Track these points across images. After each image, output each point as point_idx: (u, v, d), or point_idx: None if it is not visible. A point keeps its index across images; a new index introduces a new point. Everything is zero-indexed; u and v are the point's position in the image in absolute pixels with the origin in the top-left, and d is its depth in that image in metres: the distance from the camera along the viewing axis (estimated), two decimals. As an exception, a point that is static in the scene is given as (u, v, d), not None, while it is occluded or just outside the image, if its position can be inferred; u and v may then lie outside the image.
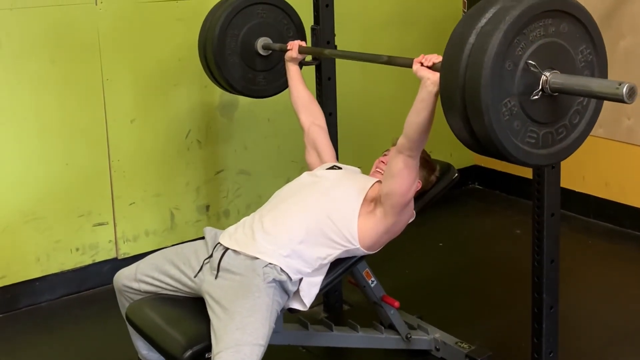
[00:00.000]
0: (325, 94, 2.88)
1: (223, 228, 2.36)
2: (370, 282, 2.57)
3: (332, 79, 2.88)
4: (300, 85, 2.66)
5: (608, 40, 3.91)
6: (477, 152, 1.74)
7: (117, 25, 3.24)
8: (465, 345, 2.58)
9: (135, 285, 2.31)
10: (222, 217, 3.64)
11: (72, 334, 3.03)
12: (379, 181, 2.35)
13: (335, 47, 2.85)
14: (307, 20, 2.86)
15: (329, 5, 2.81)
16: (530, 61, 1.61)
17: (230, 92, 2.85)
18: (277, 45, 2.74)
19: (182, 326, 2.13)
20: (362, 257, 2.39)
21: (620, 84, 1.48)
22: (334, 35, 2.85)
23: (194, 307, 2.20)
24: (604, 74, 1.75)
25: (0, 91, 3.02)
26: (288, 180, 2.54)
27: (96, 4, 3.17)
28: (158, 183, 3.45)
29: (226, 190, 3.64)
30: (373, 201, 2.27)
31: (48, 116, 3.14)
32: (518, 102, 1.63)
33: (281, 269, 2.13)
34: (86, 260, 3.32)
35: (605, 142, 3.77)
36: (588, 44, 1.72)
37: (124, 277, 2.35)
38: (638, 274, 3.37)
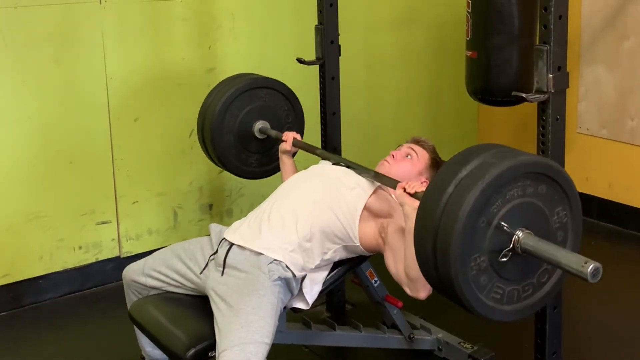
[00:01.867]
0: (329, 94, 2.88)
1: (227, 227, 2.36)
2: (373, 281, 2.56)
3: (335, 78, 2.88)
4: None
5: (612, 41, 3.94)
6: (443, 295, 1.73)
7: (121, 24, 3.24)
8: (468, 346, 2.58)
9: (143, 279, 2.32)
10: (225, 216, 3.64)
11: (76, 332, 3.04)
12: (380, 187, 2.34)
13: (339, 47, 2.85)
14: (312, 20, 2.86)
15: (333, 5, 2.81)
16: (503, 221, 1.60)
17: (222, 168, 2.88)
18: (273, 132, 2.75)
19: (185, 325, 2.13)
20: (366, 258, 2.39)
21: (586, 263, 1.48)
22: (338, 34, 2.85)
23: (198, 305, 2.20)
24: (577, 236, 1.75)
25: (4, 89, 3.03)
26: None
27: (100, 3, 3.17)
28: (161, 182, 3.45)
29: (229, 189, 3.64)
30: (377, 219, 2.26)
31: (51, 114, 3.14)
32: (488, 258, 1.62)
33: (286, 265, 2.13)
34: (89, 258, 3.32)
35: (609, 143, 3.77)
36: (565, 206, 1.71)
37: (132, 272, 2.36)
38: (641, 275, 3.37)
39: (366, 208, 2.26)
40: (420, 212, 1.69)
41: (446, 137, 4.18)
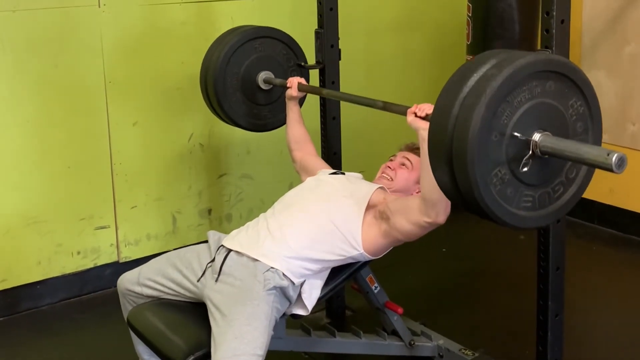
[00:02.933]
0: (329, 98, 2.87)
1: (225, 232, 2.35)
2: (373, 287, 2.55)
3: (335, 83, 2.87)
4: (297, 125, 2.68)
5: (613, 46, 3.93)
6: (477, 215, 1.70)
7: (120, 28, 3.23)
8: (469, 352, 2.56)
9: (138, 289, 2.29)
10: (224, 221, 3.62)
11: (73, 338, 3.02)
12: (382, 187, 2.34)
13: (339, 50, 2.84)
14: (312, 24, 2.85)
15: (333, 9, 2.80)
16: (516, 131, 1.56)
17: (240, 127, 2.85)
18: (277, 81, 2.74)
19: (183, 332, 2.12)
20: (366, 263, 2.38)
21: (609, 154, 1.43)
22: (338, 38, 2.84)
23: (196, 312, 2.18)
24: (597, 123, 1.69)
25: (3, 93, 3.01)
26: (291, 185, 2.53)
27: (99, 7, 3.16)
28: (160, 186, 3.43)
29: (228, 194, 3.63)
30: (376, 209, 2.25)
31: (50, 119, 3.13)
32: (509, 169, 1.57)
33: (283, 274, 2.11)
34: (87, 263, 3.30)
35: (610, 148, 3.74)
36: (578, 97, 1.65)
37: (127, 281, 2.34)
38: (643, 281, 3.35)
39: (368, 207, 2.24)
40: (432, 139, 1.64)
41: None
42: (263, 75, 2.75)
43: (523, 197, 1.62)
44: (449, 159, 1.57)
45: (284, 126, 2.75)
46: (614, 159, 1.43)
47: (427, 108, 2.02)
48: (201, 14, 3.41)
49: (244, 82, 2.74)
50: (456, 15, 3.96)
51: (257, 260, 2.13)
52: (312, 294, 2.20)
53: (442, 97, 1.64)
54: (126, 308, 2.37)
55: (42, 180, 3.15)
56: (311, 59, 2.88)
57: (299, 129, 2.68)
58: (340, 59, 2.86)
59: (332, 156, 2.89)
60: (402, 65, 4.07)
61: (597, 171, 4.14)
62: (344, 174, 2.49)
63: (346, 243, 2.21)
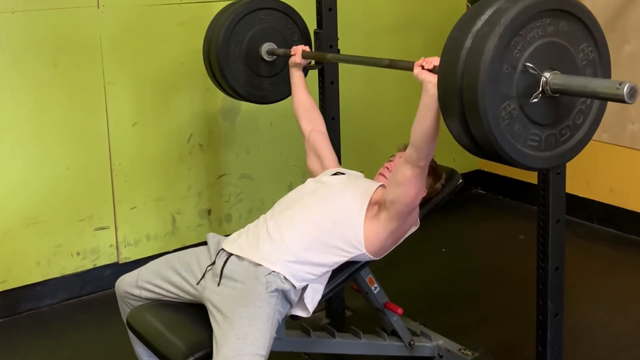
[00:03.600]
0: (328, 98, 2.87)
1: (225, 233, 2.35)
2: (373, 288, 2.55)
3: (335, 83, 2.87)
4: (303, 92, 2.65)
5: (613, 44, 3.90)
6: (479, 157, 1.72)
7: (120, 29, 3.22)
8: (468, 353, 2.56)
9: (137, 291, 2.29)
10: (223, 222, 3.62)
11: (73, 339, 3.02)
12: (383, 185, 2.34)
13: (338, 51, 2.84)
14: (311, 24, 2.85)
15: (332, 9, 2.79)
16: (528, 63, 1.57)
17: (236, 98, 2.84)
18: (281, 51, 2.73)
19: (183, 333, 2.11)
20: (366, 263, 2.37)
21: (620, 84, 1.45)
22: (337, 39, 2.83)
23: (196, 313, 2.18)
24: (606, 71, 1.71)
25: (2, 94, 3.01)
26: (290, 185, 2.53)
27: (98, 7, 3.16)
28: (159, 187, 3.43)
29: (228, 194, 3.62)
30: (377, 205, 2.25)
31: (49, 119, 3.13)
32: (518, 104, 1.59)
33: (285, 277, 2.11)
34: (87, 264, 3.30)
35: (610, 147, 3.75)
36: (589, 42, 1.67)
37: (125, 284, 2.33)
38: (643, 281, 3.35)
39: (370, 204, 2.24)
40: (442, 74, 1.65)
41: (445, 142, 4.15)
42: (266, 46, 2.74)
43: (530, 136, 1.62)
44: (459, 93, 1.58)
45: (288, 101, 2.72)
46: (625, 88, 1.44)
47: (435, 60, 2.01)
48: (200, 14, 3.40)
49: (247, 52, 2.72)
50: (455, 16, 3.93)
51: (258, 264, 2.13)
52: (314, 298, 2.19)
53: (455, 30, 1.65)
54: (124, 311, 2.36)
55: (41, 181, 3.15)
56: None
57: (305, 94, 2.65)
58: (339, 59, 2.86)
59: (331, 121, 2.84)
60: (402, 65, 4.07)
61: (599, 169, 4.13)
62: (344, 174, 2.49)
63: (347, 243, 2.20)
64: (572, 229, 3.75)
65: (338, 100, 2.89)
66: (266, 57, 2.75)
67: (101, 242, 3.32)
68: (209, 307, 2.08)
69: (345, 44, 2.97)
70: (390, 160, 2.49)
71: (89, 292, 3.33)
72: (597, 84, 1.51)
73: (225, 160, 3.60)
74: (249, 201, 3.67)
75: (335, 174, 2.48)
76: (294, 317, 2.22)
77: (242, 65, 2.73)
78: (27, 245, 3.15)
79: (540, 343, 2.16)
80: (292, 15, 2.80)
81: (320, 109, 2.89)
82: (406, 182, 2.11)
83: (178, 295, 2.24)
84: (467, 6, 2.98)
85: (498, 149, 1.59)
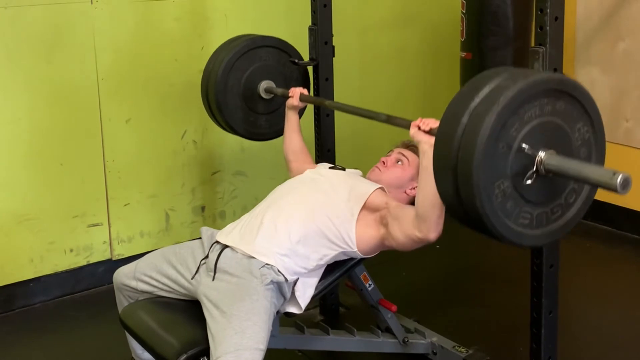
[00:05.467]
0: (323, 95, 2.86)
1: (219, 229, 2.34)
2: (367, 285, 2.54)
3: (329, 79, 2.86)
4: (295, 135, 2.68)
5: (608, 42, 3.92)
6: (469, 228, 1.70)
7: (113, 25, 3.21)
8: (462, 350, 2.56)
9: (134, 283, 2.29)
10: (217, 219, 3.61)
11: (66, 335, 3.01)
12: (381, 188, 2.32)
13: (333, 47, 2.83)
14: (305, 21, 2.84)
15: (327, 5, 2.79)
16: (523, 144, 1.56)
17: (231, 133, 2.84)
18: (279, 90, 2.73)
19: (176, 330, 2.11)
20: (360, 261, 2.37)
21: (614, 174, 1.43)
22: (332, 35, 2.83)
23: (189, 310, 2.17)
24: (601, 152, 1.71)
25: (-6, 90, 3.00)
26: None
27: (92, 3, 3.15)
28: (153, 184, 3.42)
29: (222, 191, 3.62)
30: (377, 214, 2.24)
31: (42, 116, 3.11)
32: (511, 183, 1.58)
33: (278, 270, 2.10)
34: (80, 261, 3.29)
35: (604, 144, 3.75)
36: (585, 122, 1.66)
37: (123, 275, 2.34)
38: (637, 278, 3.35)
39: (365, 207, 2.24)
40: (438, 146, 1.65)
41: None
42: (265, 84, 2.75)
43: (522, 213, 1.62)
44: (454, 167, 1.57)
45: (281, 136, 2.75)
46: (619, 179, 1.43)
47: (432, 122, 2.02)
48: (194, 10, 3.39)
49: (246, 88, 2.73)
50: (450, 12, 3.96)
51: (251, 257, 2.13)
52: (305, 292, 2.20)
53: (452, 105, 1.65)
54: (121, 302, 2.36)
55: (34, 178, 3.13)
56: (305, 55, 2.87)
57: (297, 139, 2.68)
58: (334, 55, 2.85)
59: (326, 153, 2.88)
60: (397, 62, 4.07)
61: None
62: (344, 169, 2.49)
63: (340, 239, 2.21)
64: (566, 226, 3.75)
65: (333, 97, 2.88)
66: (264, 95, 2.76)
67: (94, 239, 3.31)
68: (204, 301, 2.07)
69: (340, 41, 2.97)
70: (388, 155, 2.48)
71: (83, 289, 3.32)
72: (591, 171, 1.51)
73: (220, 157, 3.59)
74: (243, 198, 3.66)
75: (333, 167, 2.48)
76: (288, 315, 2.22)
77: (240, 101, 2.74)
78: (20, 242, 3.14)
79: (534, 340, 2.16)
80: (292, 55, 2.81)
81: (314, 105, 2.89)
82: (410, 241, 2.13)
83: (173, 289, 2.24)
84: (462, 4, 2.97)
85: (489, 225, 1.58)
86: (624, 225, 3.76)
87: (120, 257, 3.35)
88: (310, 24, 2.82)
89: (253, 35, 2.81)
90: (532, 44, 1.96)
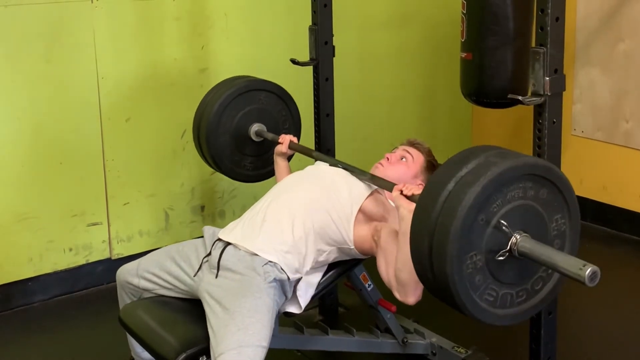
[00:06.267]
0: (323, 95, 2.86)
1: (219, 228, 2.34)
2: (366, 285, 2.54)
3: (329, 79, 2.86)
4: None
5: (607, 43, 3.92)
6: (434, 295, 1.71)
7: (113, 24, 3.21)
8: (462, 350, 2.56)
9: (136, 281, 2.29)
10: (217, 218, 3.61)
11: (65, 335, 3.01)
12: (377, 191, 2.33)
13: (334, 47, 2.83)
14: (306, 20, 2.84)
15: (327, 5, 2.79)
16: (502, 220, 1.59)
17: (215, 170, 2.85)
18: (269, 135, 2.74)
19: (175, 329, 2.11)
20: (359, 261, 2.37)
21: (584, 266, 1.47)
22: (332, 35, 2.83)
23: (189, 310, 2.18)
24: (574, 247, 1.74)
25: (-6, 89, 3.00)
26: (284, 182, 2.52)
27: (92, 2, 3.14)
28: (153, 183, 3.42)
29: (221, 190, 3.61)
30: (371, 222, 2.25)
31: (42, 114, 3.11)
32: (484, 257, 1.60)
33: (281, 267, 2.11)
34: (79, 260, 3.29)
35: (603, 145, 3.76)
36: (564, 214, 1.70)
37: (126, 272, 2.34)
38: (636, 280, 3.35)
39: (361, 211, 2.25)
40: (418, 210, 1.67)
41: (440, 139, 4.16)
42: (256, 126, 2.76)
43: (488, 290, 1.64)
44: (432, 231, 1.60)
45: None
46: (587, 272, 1.47)
47: (415, 189, 2.06)
48: (194, 9, 3.39)
49: (237, 127, 2.75)
50: (450, 12, 3.95)
51: (254, 254, 2.13)
52: (307, 292, 2.20)
53: (440, 172, 1.68)
54: (124, 300, 2.37)
55: (33, 177, 3.13)
56: (305, 55, 2.87)
57: None
58: (334, 55, 2.85)
59: (326, 153, 2.88)
60: (397, 62, 4.06)
61: (592, 167, 4.14)
62: (345, 169, 2.49)
63: (339, 236, 2.22)
64: (566, 227, 3.74)
65: (333, 97, 2.89)
66: (254, 137, 2.77)
67: (94, 238, 3.31)
68: (206, 298, 2.07)
69: (341, 41, 2.97)
70: (392, 152, 2.48)
71: (82, 288, 3.31)
72: (561, 259, 1.53)
73: (219, 157, 3.58)
74: (243, 197, 3.66)
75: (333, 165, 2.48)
76: (287, 315, 2.22)
77: (229, 139, 2.75)
78: (19, 241, 3.14)
79: (533, 341, 2.16)
80: (289, 104, 2.84)
81: (314, 105, 2.90)
82: (389, 287, 2.14)
83: (175, 286, 2.24)
84: (463, 4, 2.97)
85: (455, 294, 1.60)
86: (623, 226, 3.76)
87: (119, 257, 3.35)
88: (310, 23, 2.82)
89: (256, 77, 2.84)
90: (533, 44, 1.96)
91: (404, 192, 2.06)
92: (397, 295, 2.11)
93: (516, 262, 1.64)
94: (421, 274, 1.69)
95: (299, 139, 2.78)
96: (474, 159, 1.63)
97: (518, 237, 1.60)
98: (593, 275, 1.47)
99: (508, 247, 1.61)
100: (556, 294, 1.76)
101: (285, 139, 2.64)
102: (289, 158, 2.71)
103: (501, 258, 1.60)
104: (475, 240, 1.58)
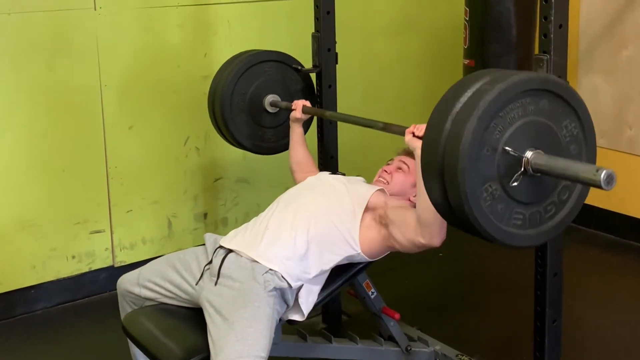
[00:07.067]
0: (326, 101, 2.86)
1: (221, 236, 2.34)
2: (370, 293, 2.53)
3: (332, 86, 2.86)
4: (300, 148, 2.69)
5: (611, 49, 3.92)
6: (464, 231, 1.69)
7: (116, 31, 3.21)
8: (465, 358, 2.55)
9: (137, 290, 2.28)
10: (220, 225, 3.61)
11: (68, 343, 3.00)
12: (381, 189, 2.34)
13: (337, 54, 2.83)
14: (309, 27, 2.84)
15: (330, 12, 2.79)
16: (507, 147, 1.56)
17: (240, 148, 2.85)
18: (283, 104, 2.75)
19: (178, 337, 2.10)
20: (362, 268, 2.37)
21: (597, 170, 1.43)
22: (335, 42, 2.82)
23: (192, 318, 2.17)
24: (591, 147, 1.69)
25: (-3, 97, 3.00)
26: (287, 189, 2.52)
27: (95, 9, 3.15)
28: (156, 190, 3.42)
29: (224, 198, 3.61)
30: (376, 212, 2.25)
31: (45, 122, 3.11)
32: (500, 185, 1.57)
33: (282, 275, 2.10)
34: (82, 268, 3.29)
35: (607, 152, 3.75)
36: (572, 118, 1.65)
37: (126, 282, 2.33)
38: (640, 286, 3.34)
39: (366, 212, 2.25)
40: (424, 153, 1.65)
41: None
42: (270, 98, 2.77)
43: (514, 215, 1.61)
44: (441, 174, 1.57)
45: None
46: (602, 175, 1.43)
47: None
48: (197, 17, 3.40)
49: (251, 103, 2.75)
50: (453, 19, 3.95)
51: (255, 261, 2.12)
52: (308, 299, 2.19)
53: (435, 113, 1.64)
54: (125, 309, 2.35)
55: (36, 184, 3.13)
56: (308, 62, 2.87)
57: (302, 151, 2.69)
58: (337, 62, 2.85)
59: (329, 160, 2.88)
60: (400, 69, 4.07)
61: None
62: (344, 174, 2.50)
63: (344, 242, 2.21)
64: (569, 234, 3.70)
65: (336, 104, 2.89)
66: (269, 109, 2.78)
67: (96, 245, 3.31)
68: (207, 306, 2.07)
69: (343, 47, 2.96)
70: (388, 164, 2.50)
71: (84, 296, 3.31)
72: (576, 167, 1.50)
73: (222, 164, 3.58)
74: (245, 205, 3.66)
75: (334, 173, 2.49)
76: (290, 322, 2.21)
77: (246, 117, 2.75)
78: (22, 248, 3.14)
79: (538, 349, 2.15)
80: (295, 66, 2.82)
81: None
82: (414, 247, 2.14)
83: (177, 295, 2.23)
84: (465, 11, 2.97)
85: (480, 229, 1.58)
86: (628, 233, 3.75)
87: (122, 264, 3.35)
88: (313, 30, 2.82)
89: (256, 50, 2.82)
90: (536, 51, 1.96)
91: (417, 134, 2.06)
92: (421, 240, 2.08)
93: (535, 180, 1.60)
94: (444, 216, 1.67)
95: (312, 102, 2.77)
96: (465, 91, 1.58)
97: (529, 155, 1.56)
98: (609, 178, 1.42)
99: (522, 168, 1.57)
100: (585, 197, 1.70)
101: (298, 104, 2.66)
102: (306, 125, 2.73)
103: (516, 183, 1.57)
104: (487, 171, 1.55)
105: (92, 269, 3.31)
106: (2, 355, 2.90)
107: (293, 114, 2.67)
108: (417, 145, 2.03)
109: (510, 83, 1.55)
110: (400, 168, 2.46)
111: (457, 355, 2.57)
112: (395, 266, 3.12)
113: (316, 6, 2.79)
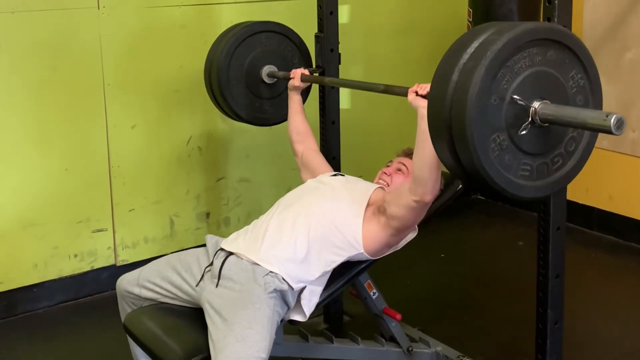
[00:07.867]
0: (328, 103, 2.86)
1: (223, 236, 2.34)
2: (371, 293, 2.53)
3: (335, 87, 2.86)
4: (299, 117, 2.69)
5: (614, 52, 3.91)
6: (471, 187, 1.70)
7: (120, 31, 3.22)
8: (467, 359, 2.55)
9: (137, 290, 2.28)
10: (222, 225, 3.61)
11: (70, 341, 3.01)
12: (381, 187, 2.35)
13: (339, 55, 2.83)
14: (312, 28, 2.84)
15: (333, 13, 2.79)
16: (515, 96, 1.56)
17: (237, 120, 2.85)
18: (280, 73, 2.75)
19: (180, 337, 2.10)
20: (364, 268, 2.37)
21: (607, 115, 1.43)
22: (338, 42, 2.83)
23: (193, 317, 2.17)
24: (597, 98, 1.70)
25: (0, 95, 3.00)
26: (289, 188, 2.52)
27: (98, 9, 3.15)
28: (158, 190, 3.42)
29: (227, 197, 3.61)
30: (375, 206, 2.26)
31: (48, 121, 3.12)
32: (507, 135, 1.57)
33: (283, 278, 2.10)
34: (84, 266, 3.29)
35: (610, 154, 3.74)
36: (578, 69, 1.66)
37: (126, 282, 2.33)
38: (642, 289, 3.34)
39: (367, 209, 2.26)
40: (431, 107, 1.65)
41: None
42: (267, 68, 2.77)
43: (521, 166, 1.62)
44: (448, 126, 1.57)
45: (285, 123, 2.75)
46: (612, 120, 1.42)
47: (429, 86, 2.02)
48: (200, 17, 3.40)
49: (248, 74, 2.75)
50: (456, 19, 3.96)
51: (256, 264, 2.13)
52: (311, 300, 2.20)
53: (442, 64, 1.64)
54: (124, 310, 2.35)
55: (39, 183, 3.13)
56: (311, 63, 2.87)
57: (301, 120, 2.69)
58: (340, 63, 2.85)
59: (331, 161, 2.87)
60: (402, 69, 4.06)
61: (598, 176, 4.12)
62: (343, 175, 2.50)
63: (345, 242, 2.21)
64: (572, 236, 3.71)
65: (338, 105, 2.89)
66: (267, 80, 2.78)
67: (99, 244, 3.31)
68: (207, 308, 2.07)
69: (346, 48, 2.97)
70: (388, 166, 2.50)
71: (86, 295, 3.32)
72: (585, 114, 1.50)
73: (224, 164, 3.59)
74: (248, 205, 3.66)
75: (334, 174, 2.49)
76: (292, 322, 2.21)
77: (243, 88, 2.75)
78: (25, 247, 3.14)
79: (539, 351, 2.15)
80: (292, 37, 2.83)
81: (320, 113, 2.89)
82: (409, 210, 2.14)
83: (177, 296, 2.23)
84: (469, 12, 2.97)
85: (489, 180, 1.58)
86: (630, 236, 3.75)
87: (124, 263, 3.35)
88: (316, 31, 2.82)
89: (251, 21, 2.82)
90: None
91: (420, 92, 2.08)
92: (414, 198, 2.09)
93: (542, 130, 1.60)
94: (452, 169, 1.67)
95: (310, 70, 2.77)
96: (472, 41, 1.58)
97: (537, 105, 1.56)
98: (619, 122, 1.42)
99: (529, 118, 1.57)
100: (591, 149, 1.71)
101: (297, 72, 2.66)
102: (305, 94, 2.73)
103: (524, 132, 1.57)
104: (495, 122, 1.55)
105: (94, 267, 3.32)
106: (4, 354, 2.91)
107: (291, 82, 2.66)
108: (419, 104, 2.05)
109: (517, 32, 1.55)
110: (399, 170, 2.47)
111: (458, 357, 2.57)
112: (396, 267, 3.12)
113: (319, 6, 2.79)
